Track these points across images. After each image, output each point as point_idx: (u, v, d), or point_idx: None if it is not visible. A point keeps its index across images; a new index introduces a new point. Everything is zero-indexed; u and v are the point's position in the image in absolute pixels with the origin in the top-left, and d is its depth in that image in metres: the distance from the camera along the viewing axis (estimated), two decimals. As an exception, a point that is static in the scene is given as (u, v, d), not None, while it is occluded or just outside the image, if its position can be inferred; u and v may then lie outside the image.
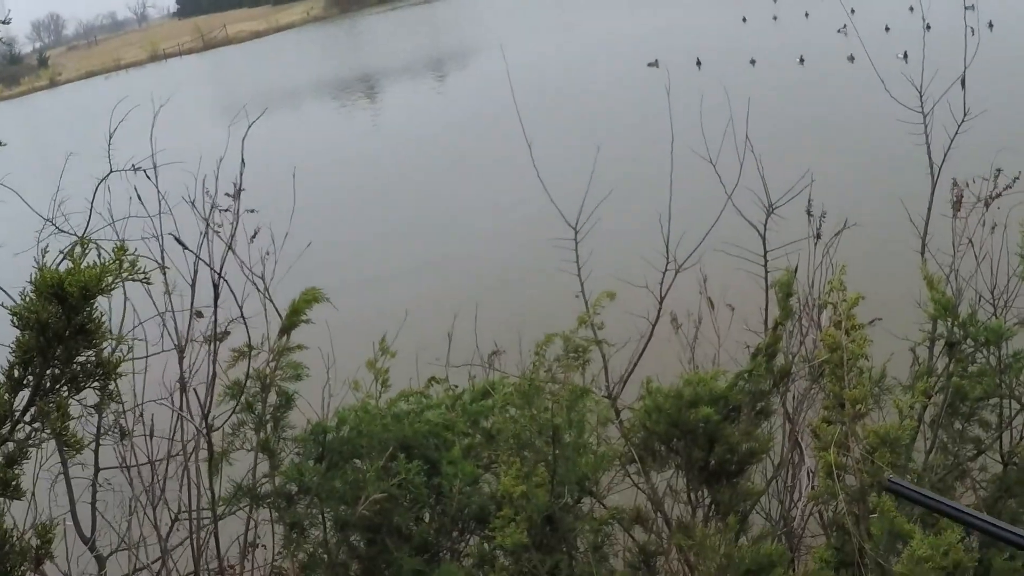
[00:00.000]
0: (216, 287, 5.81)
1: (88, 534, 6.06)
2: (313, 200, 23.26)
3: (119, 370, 3.78)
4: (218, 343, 6.16)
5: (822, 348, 5.61)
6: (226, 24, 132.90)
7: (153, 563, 6.15)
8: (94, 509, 6.10)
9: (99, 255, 3.31)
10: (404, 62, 63.11)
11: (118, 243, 3.33)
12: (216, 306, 5.90)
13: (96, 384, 3.60)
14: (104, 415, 6.00)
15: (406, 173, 31.15)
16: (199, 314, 6.14)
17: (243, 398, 6.24)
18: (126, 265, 3.25)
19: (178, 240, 5.72)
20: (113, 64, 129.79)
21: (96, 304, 3.41)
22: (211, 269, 5.79)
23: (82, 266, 3.27)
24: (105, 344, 3.53)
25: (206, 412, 5.84)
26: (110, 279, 3.28)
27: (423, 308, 14.05)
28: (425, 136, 37.43)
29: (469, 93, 45.71)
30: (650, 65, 39.07)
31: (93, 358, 3.51)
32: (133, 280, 3.34)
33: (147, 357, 5.91)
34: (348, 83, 59.85)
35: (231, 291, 5.87)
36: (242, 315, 5.97)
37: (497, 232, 22.09)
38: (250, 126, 6.29)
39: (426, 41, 74.14)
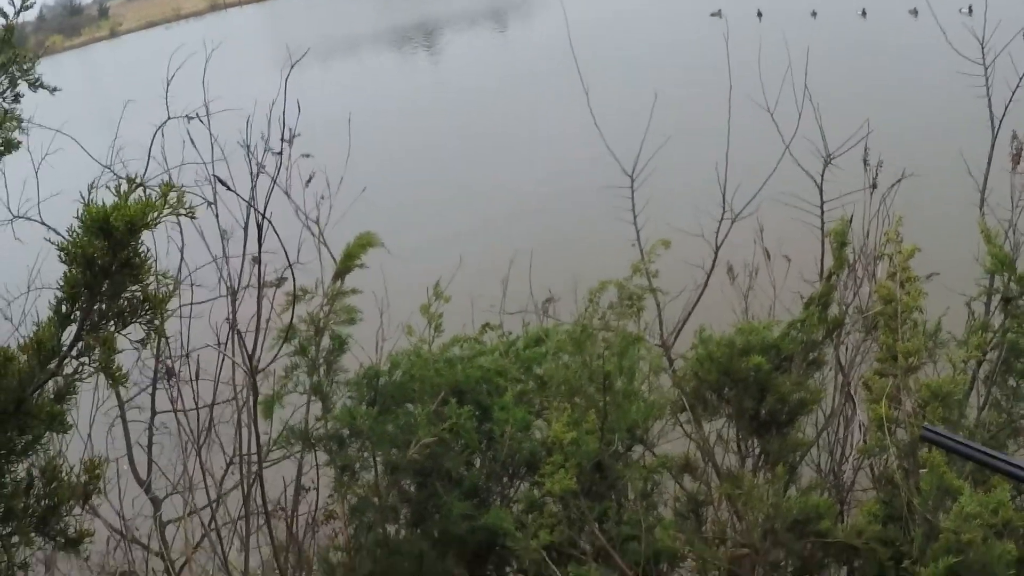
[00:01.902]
0: (260, 228, 5.81)
1: (144, 477, 6.15)
2: (371, 148, 23.25)
3: (168, 308, 3.81)
4: (272, 287, 6.20)
5: (876, 300, 5.58)
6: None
7: (206, 507, 6.23)
8: (150, 452, 6.18)
9: (144, 194, 3.34)
10: (465, 11, 62.84)
11: (165, 183, 3.36)
12: (260, 247, 5.91)
13: (143, 320, 3.64)
14: (162, 359, 6.07)
15: (464, 122, 31.10)
16: (256, 259, 6.17)
17: (296, 341, 6.28)
18: (172, 201, 3.28)
19: (222, 182, 5.71)
20: (173, 14, 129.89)
21: (142, 241, 3.44)
22: (254, 210, 5.78)
23: (128, 202, 3.31)
24: (151, 281, 3.56)
25: (251, 355, 5.85)
26: (155, 214, 3.30)
27: (479, 255, 14.02)
28: (484, 85, 37.33)
29: (530, 43, 45.50)
30: (713, 15, 38.72)
31: (139, 293, 3.55)
32: (178, 215, 3.36)
33: (192, 304, 5.95)
34: (408, 31, 59.73)
35: (277, 236, 5.87)
36: (288, 260, 5.97)
37: (554, 180, 22.04)
38: (292, 67, 6.28)
39: (488, -11, 73.73)
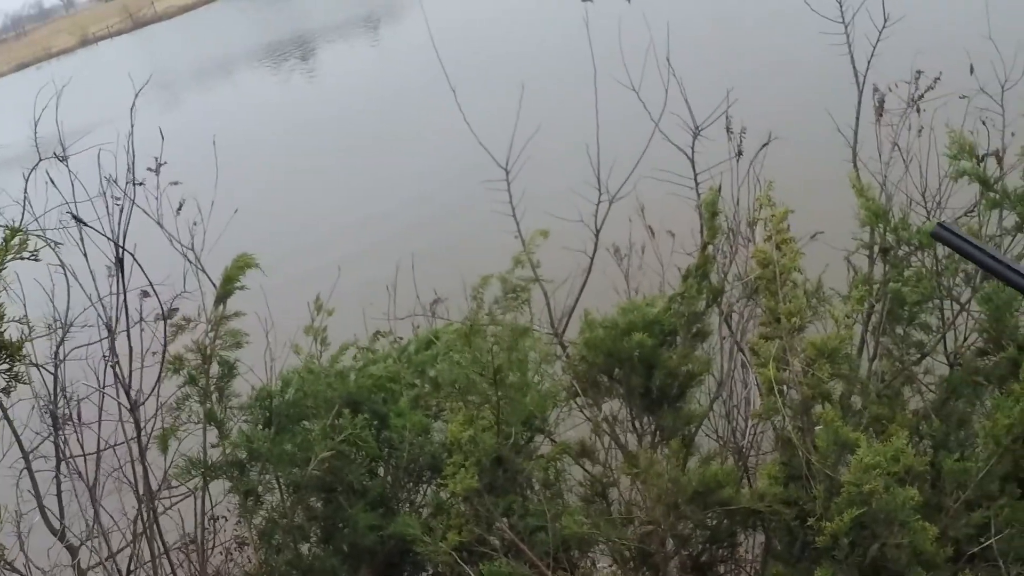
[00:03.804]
0: (121, 262, 5.76)
1: (57, 526, 6.07)
2: (248, 168, 23.07)
3: (24, 352, 3.75)
4: (159, 321, 6.16)
5: (754, 264, 5.62)
6: (154, 1, 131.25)
7: (121, 550, 6.18)
8: (60, 500, 6.10)
9: None
10: (337, 22, 62.51)
11: (9, 228, 3.30)
12: (124, 282, 5.86)
13: (3, 368, 3.58)
14: (60, 406, 6.00)
15: (340, 134, 30.92)
16: (145, 293, 6.12)
17: (185, 372, 6.22)
18: (15, 246, 3.22)
19: (81, 221, 5.65)
20: (44, 53, 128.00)
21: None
22: (115, 244, 5.73)
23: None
24: (5, 327, 3.50)
25: (127, 390, 5.81)
26: (-1, 260, 3.25)
27: (364, 264, 13.99)
28: (357, 94, 37.16)
29: (402, 49, 45.35)
30: (584, 1, 38.68)
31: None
32: (20, 259, 3.31)
33: (73, 348, 5.88)
34: (282, 48, 59.31)
35: (140, 268, 5.83)
36: (153, 291, 5.93)
37: (432, 183, 21.98)
38: (136, 95, 6.21)
39: (358, -1, 73.30)
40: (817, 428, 5.17)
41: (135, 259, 5.79)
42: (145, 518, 6.08)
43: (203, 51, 71.39)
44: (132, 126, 6.04)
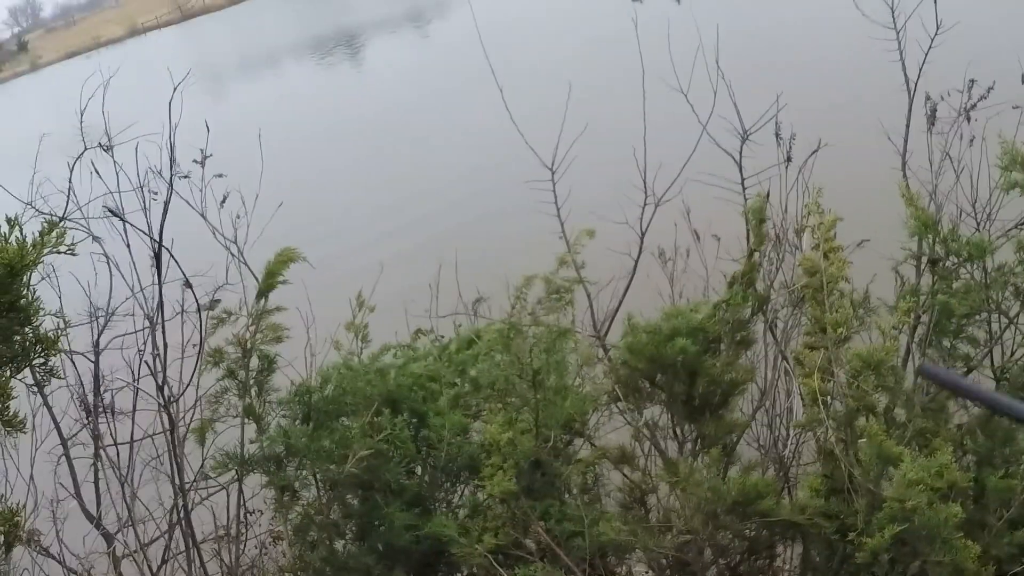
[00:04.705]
0: (158, 256, 5.77)
1: (94, 512, 6.09)
2: (292, 162, 23.06)
3: (60, 347, 3.73)
4: (205, 311, 6.17)
5: (801, 272, 5.55)
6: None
7: (155, 540, 6.19)
8: (97, 488, 6.11)
9: (20, 232, 3.25)
10: (384, 17, 62.55)
11: (48, 220, 3.29)
12: (161, 275, 5.87)
13: (38, 362, 3.55)
14: (101, 394, 6.02)
15: (385, 129, 30.87)
16: (188, 284, 6.13)
17: (224, 365, 6.22)
18: (52, 239, 3.19)
19: (115, 213, 5.66)
20: (92, 43, 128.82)
21: (27, 280, 3.36)
22: (151, 238, 5.73)
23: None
24: (41, 319, 3.48)
25: (160, 386, 5.83)
26: (34, 254, 3.22)
27: (407, 261, 13.95)
28: (403, 90, 37.11)
29: (449, 45, 45.30)
30: (635, 1, 38.45)
31: (31, 336, 3.46)
32: (57, 252, 3.28)
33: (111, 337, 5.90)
34: (327, 42, 59.36)
35: (175, 261, 5.84)
36: (188, 283, 5.93)
37: (476, 180, 21.90)
38: (175, 90, 6.21)
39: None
40: (860, 441, 5.10)
41: (171, 255, 5.79)
42: (180, 509, 6.07)
43: (250, 43, 71.55)
44: (171, 119, 6.05)
